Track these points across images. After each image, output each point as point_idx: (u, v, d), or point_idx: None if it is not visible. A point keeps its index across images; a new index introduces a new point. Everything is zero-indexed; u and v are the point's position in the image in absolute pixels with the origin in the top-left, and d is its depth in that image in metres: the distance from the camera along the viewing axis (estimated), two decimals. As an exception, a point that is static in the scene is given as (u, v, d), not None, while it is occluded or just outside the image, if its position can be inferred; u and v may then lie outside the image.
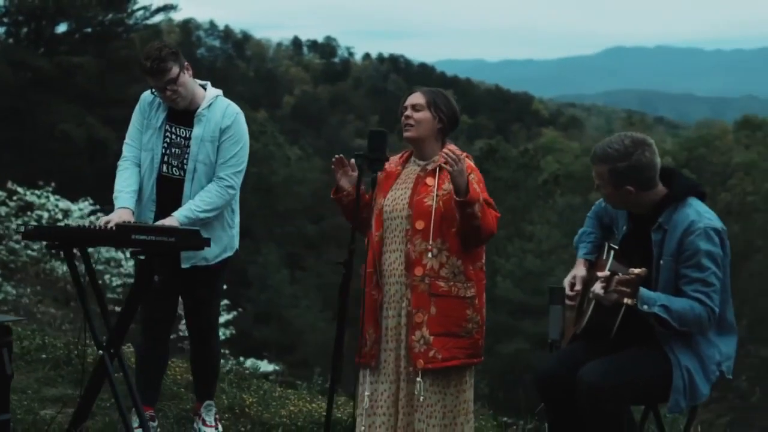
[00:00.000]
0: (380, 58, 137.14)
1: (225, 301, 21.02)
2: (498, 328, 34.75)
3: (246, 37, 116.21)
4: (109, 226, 5.79)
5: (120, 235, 5.63)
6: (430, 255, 5.35)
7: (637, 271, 4.53)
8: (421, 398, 5.35)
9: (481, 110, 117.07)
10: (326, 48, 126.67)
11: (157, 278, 5.79)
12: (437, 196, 5.36)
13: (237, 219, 6.52)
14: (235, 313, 23.34)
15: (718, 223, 4.90)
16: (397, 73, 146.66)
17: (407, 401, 5.41)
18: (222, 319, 19.63)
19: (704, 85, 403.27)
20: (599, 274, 4.79)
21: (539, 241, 34.86)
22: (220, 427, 6.74)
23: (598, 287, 4.74)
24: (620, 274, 4.60)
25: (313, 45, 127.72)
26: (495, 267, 35.90)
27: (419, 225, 5.37)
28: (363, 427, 5.52)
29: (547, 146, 77.70)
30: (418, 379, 5.34)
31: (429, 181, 5.45)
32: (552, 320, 5.17)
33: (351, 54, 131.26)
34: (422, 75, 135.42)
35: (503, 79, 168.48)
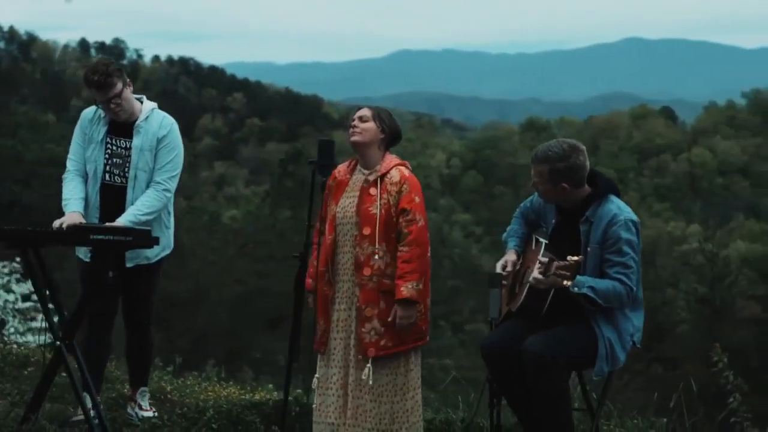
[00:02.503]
0: (170, 60, 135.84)
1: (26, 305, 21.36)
2: (311, 328, 35.16)
3: (32, 38, 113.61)
4: (63, 227, 6.39)
5: (79, 235, 6.28)
6: (377, 257, 6.08)
7: (576, 258, 5.33)
8: (371, 382, 6.05)
9: (271, 113, 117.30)
10: (114, 50, 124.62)
11: (112, 274, 6.46)
12: (380, 205, 6.07)
13: (172, 220, 7.15)
14: None
15: (634, 216, 5.75)
16: (188, 76, 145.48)
17: (356, 385, 6.11)
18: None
19: (490, 88, 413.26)
20: (541, 259, 5.61)
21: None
22: (155, 411, 7.31)
23: (536, 272, 5.57)
24: (558, 261, 5.41)
25: (101, 47, 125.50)
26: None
27: (366, 231, 6.09)
28: (314, 405, 6.26)
29: (338, 148, 78.45)
30: (368, 365, 6.04)
31: (372, 191, 6.14)
32: (492, 302, 5.93)
33: (140, 56, 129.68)
34: (213, 77, 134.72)
35: (293, 82, 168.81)
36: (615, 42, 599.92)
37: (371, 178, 6.20)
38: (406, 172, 6.22)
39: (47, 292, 6.58)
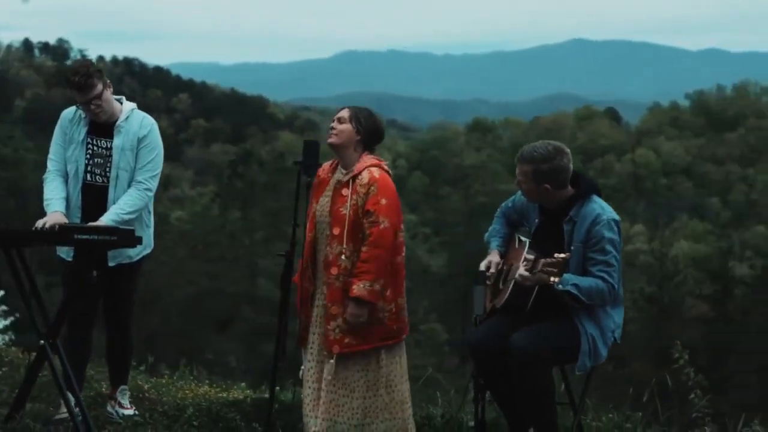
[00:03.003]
0: (114, 60, 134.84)
1: (3, 307, 21.29)
2: (261, 328, 35.10)
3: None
4: (46, 227, 6.44)
5: (63, 235, 6.36)
6: (343, 257, 6.17)
7: (563, 255, 5.45)
8: (329, 377, 6.19)
9: (217, 113, 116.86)
10: (58, 50, 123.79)
11: (96, 274, 6.62)
12: (350, 206, 6.16)
13: (152, 219, 7.20)
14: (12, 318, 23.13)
15: (616, 216, 5.89)
16: (132, 76, 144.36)
17: (328, 380, 6.24)
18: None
19: (435, 89, 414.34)
20: (527, 257, 5.73)
21: (301, 243, 35.50)
22: (135, 409, 7.37)
23: (522, 270, 5.69)
24: (545, 258, 5.51)
25: (45, 47, 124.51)
26: (258, 268, 36.33)
27: (336, 231, 6.20)
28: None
29: (284, 149, 78.49)
30: (331, 361, 6.18)
31: (344, 191, 6.23)
32: (476, 298, 6.02)
33: (84, 56, 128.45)
34: (158, 78, 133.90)
35: (238, 83, 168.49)
36: (560, 43, 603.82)
37: (344, 179, 6.31)
38: (377, 174, 6.26)
39: (31, 292, 6.63)
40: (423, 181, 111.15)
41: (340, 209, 6.22)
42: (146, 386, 8.19)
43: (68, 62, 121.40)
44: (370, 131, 6.42)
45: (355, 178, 6.25)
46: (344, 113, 6.39)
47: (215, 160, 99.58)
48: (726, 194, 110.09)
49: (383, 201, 6.19)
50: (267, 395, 7.40)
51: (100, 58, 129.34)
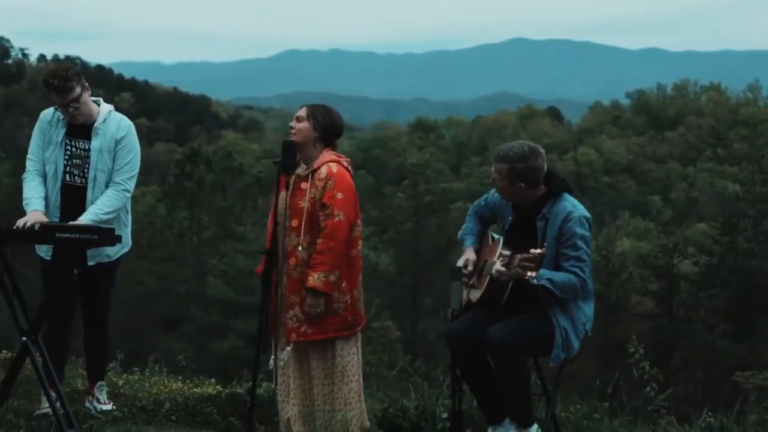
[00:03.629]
0: (56, 59, 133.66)
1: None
2: (211, 327, 35.01)
3: None
4: (27, 226, 6.56)
5: (45, 234, 6.48)
6: (300, 248, 6.39)
7: (539, 251, 5.63)
8: (282, 363, 6.43)
9: (159, 113, 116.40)
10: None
11: (76, 272, 6.78)
12: (308, 199, 6.38)
13: (130, 218, 7.32)
14: None
15: (587, 213, 6.09)
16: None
17: (295, 367, 6.50)
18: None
19: (377, 88, 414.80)
20: (503, 252, 5.94)
21: (250, 241, 35.48)
22: (113, 405, 7.48)
23: (498, 265, 5.88)
24: (522, 254, 5.69)
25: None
26: (207, 267, 36.23)
27: (294, 223, 6.43)
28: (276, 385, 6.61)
29: (229, 148, 78.36)
30: (288, 348, 6.44)
31: (303, 185, 6.44)
32: (454, 293, 6.14)
33: (25, 55, 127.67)
34: (99, 77, 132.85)
35: (180, 82, 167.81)
36: (501, 42, 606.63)
37: (303, 173, 6.52)
38: (335, 169, 6.46)
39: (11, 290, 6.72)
40: (367, 180, 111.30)
41: (299, 202, 6.42)
42: (120, 382, 8.30)
43: (9, 61, 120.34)
44: (327, 127, 6.60)
45: (314, 172, 6.46)
46: (302, 112, 6.60)
47: (159, 160, 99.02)
48: (667, 192, 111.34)
49: (339, 195, 6.39)
50: (240, 390, 7.56)
51: (42, 57, 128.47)
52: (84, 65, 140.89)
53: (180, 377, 9.08)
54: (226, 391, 7.67)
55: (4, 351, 9.23)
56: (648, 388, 8.74)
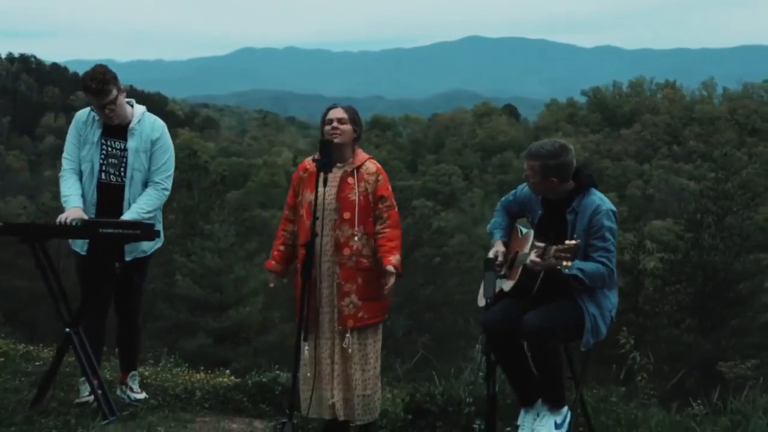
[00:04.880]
0: (10, 57, 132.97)
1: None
2: (179, 325, 35.01)
3: None
4: (68, 222, 6.84)
5: (89, 229, 6.80)
6: (356, 239, 6.78)
7: (575, 242, 5.94)
8: (350, 350, 6.73)
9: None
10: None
11: (118, 266, 7.04)
12: (358, 192, 6.79)
13: (161, 215, 7.55)
14: None
15: (613, 207, 6.40)
16: (29, 74, 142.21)
17: (340, 355, 6.78)
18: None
19: (333, 86, 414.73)
20: (537, 244, 6.21)
21: (218, 239, 35.41)
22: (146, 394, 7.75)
23: (533, 256, 6.16)
24: (556, 245, 5.97)
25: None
26: (175, 266, 36.21)
27: (346, 215, 6.78)
28: (308, 374, 6.78)
29: (184, 146, 78.29)
30: (348, 335, 6.75)
31: (349, 180, 6.82)
32: (487, 284, 6.36)
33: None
34: (55, 75, 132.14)
35: (135, 80, 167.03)
36: (456, 41, 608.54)
37: (349, 169, 6.88)
38: (379, 165, 6.96)
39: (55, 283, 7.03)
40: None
41: (349, 196, 6.78)
42: (146, 373, 8.53)
43: None
44: (361, 128, 7.06)
45: (358, 168, 6.85)
46: (343, 114, 6.94)
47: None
48: (623, 190, 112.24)
49: (390, 188, 6.92)
50: (265, 379, 7.83)
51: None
52: (39, 63, 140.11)
53: (202, 368, 9.30)
54: (253, 379, 7.90)
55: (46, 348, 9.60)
56: (639, 378, 9.04)
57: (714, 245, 36.46)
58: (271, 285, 7.21)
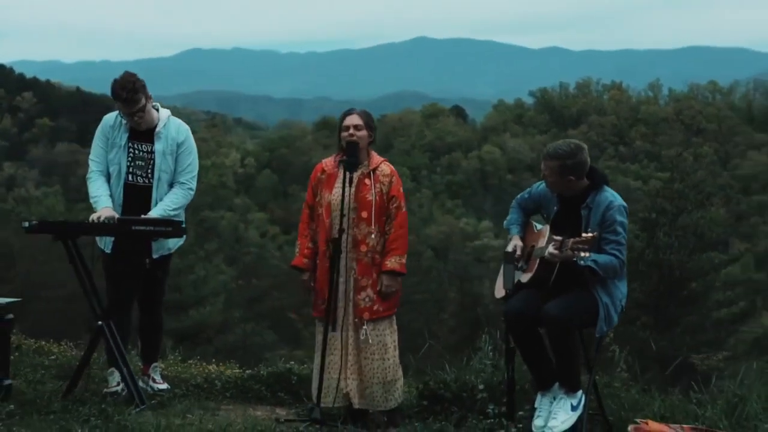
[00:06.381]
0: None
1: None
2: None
3: None
4: (101, 220, 7.22)
5: (122, 227, 7.17)
6: (372, 236, 7.24)
7: (592, 234, 6.36)
8: (370, 341, 7.14)
9: (61, 113, 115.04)
10: None
11: (148, 261, 7.40)
12: (375, 193, 7.24)
13: (184, 214, 7.88)
14: None
15: (624, 203, 6.81)
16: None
17: (354, 345, 7.18)
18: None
19: (280, 87, 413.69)
20: (555, 237, 6.59)
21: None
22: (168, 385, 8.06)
23: (551, 248, 6.56)
24: (574, 238, 6.38)
25: None
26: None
27: (364, 214, 7.24)
28: (329, 363, 7.17)
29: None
30: (364, 327, 7.19)
31: (366, 181, 7.28)
32: (507, 276, 6.90)
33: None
34: (0, 76, 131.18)
35: (82, 81, 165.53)
36: (403, 41, 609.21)
37: (365, 171, 7.31)
38: (393, 167, 7.42)
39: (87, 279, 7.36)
40: (272, 179, 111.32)
41: (366, 196, 7.24)
42: (163, 365, 8.79)
43: None
44: (375, 132, 7.51)
45: (374, 170, 7.29)
46: (358, 120, 7.38)
47: (61, 160, 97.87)
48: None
49: (401, 190, 7.37)
50: (281, 370, 8.18)
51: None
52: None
53: (214, 360, 9.59)
54: (269, 369, 8.23)
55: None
56: (619, 369, 9.42)
57: (669, 244, 37.01)
58: (312, 284, 7.41)
